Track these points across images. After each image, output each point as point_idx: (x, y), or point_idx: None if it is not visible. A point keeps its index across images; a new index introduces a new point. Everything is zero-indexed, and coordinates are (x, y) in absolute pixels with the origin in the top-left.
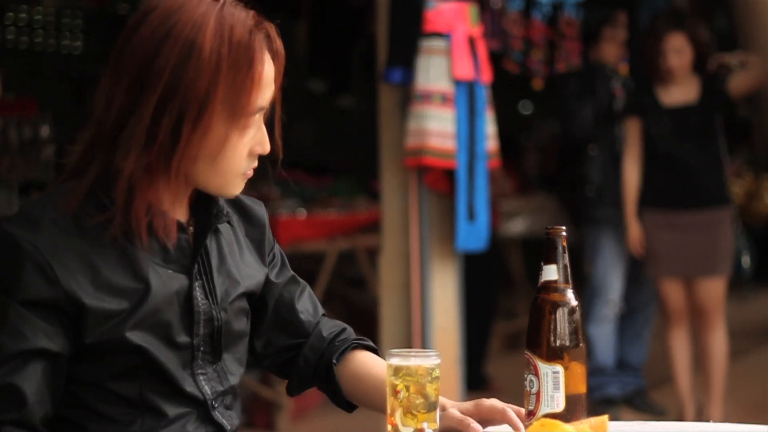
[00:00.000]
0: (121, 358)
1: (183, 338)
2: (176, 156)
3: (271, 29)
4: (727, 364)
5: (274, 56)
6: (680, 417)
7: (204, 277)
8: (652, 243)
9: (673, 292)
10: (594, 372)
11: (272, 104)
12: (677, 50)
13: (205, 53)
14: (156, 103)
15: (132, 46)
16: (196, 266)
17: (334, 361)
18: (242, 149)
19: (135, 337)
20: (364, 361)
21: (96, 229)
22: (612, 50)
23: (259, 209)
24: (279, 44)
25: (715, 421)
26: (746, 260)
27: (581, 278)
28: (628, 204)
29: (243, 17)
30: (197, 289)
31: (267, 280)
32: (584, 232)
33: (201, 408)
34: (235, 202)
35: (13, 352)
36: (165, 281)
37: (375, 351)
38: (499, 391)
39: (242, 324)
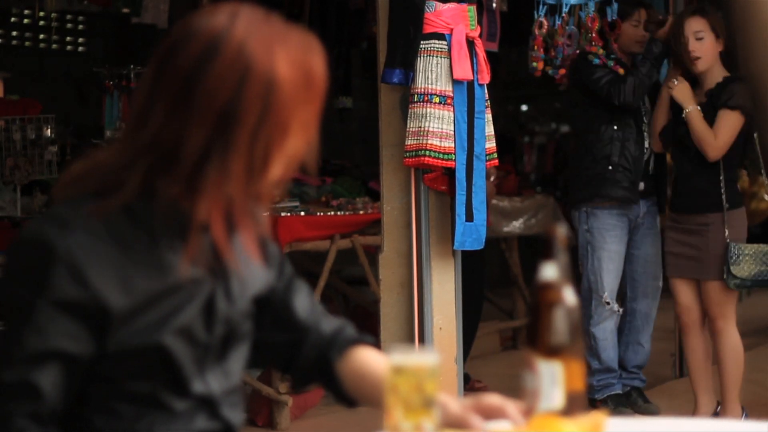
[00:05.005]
0: (141, 359)
1: (200, 338)
2: (263, 177)
3: (318, 42)
4: (739, 368)
5: (326, 68)
6: (694, 413)
7: (224, 280)
8: (665, 243)
9: (681, 292)
10: (600, 372)
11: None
12: (698, 35)
13: (284, 86)
14: (248, 139)
15: (205, 85)
16: (218, 269)
17: (334, 358)
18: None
19: (160, 341)
20: (364, 358)
21: (125, 233)
22: (630, 46)
23: (260, 215)
24: (325, 55)
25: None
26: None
27: (581, 277)
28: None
29: (301, 39)
30: (219, 290)
31: (272, 284)
32: (580, 226)
33: (209, 406)
34: None
35: (35, 351)
36: (192, 284)
37: (375, 347)
38: (482, 390)
39: (248, 326)
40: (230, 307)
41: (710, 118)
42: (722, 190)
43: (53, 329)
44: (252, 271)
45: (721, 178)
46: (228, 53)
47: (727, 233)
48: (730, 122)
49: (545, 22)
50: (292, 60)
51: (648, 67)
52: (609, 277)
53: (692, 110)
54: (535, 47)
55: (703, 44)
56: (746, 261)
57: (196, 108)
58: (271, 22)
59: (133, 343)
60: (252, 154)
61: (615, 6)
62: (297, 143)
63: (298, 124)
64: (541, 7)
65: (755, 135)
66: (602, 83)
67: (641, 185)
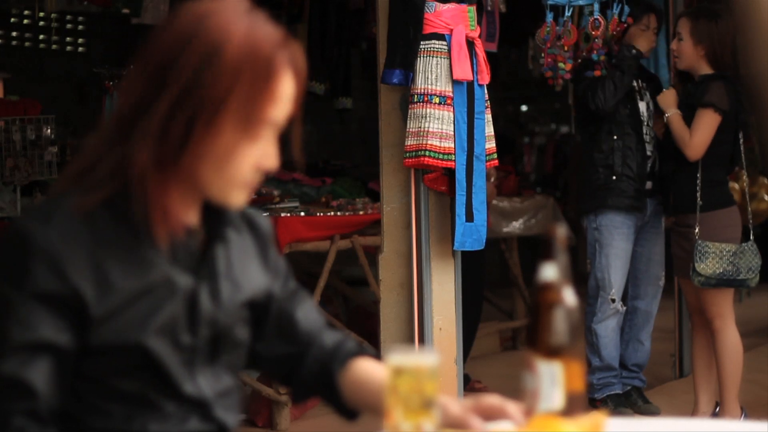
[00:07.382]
0: (125, 356)
1: (185, 339)
2: (185, 153)
3: (297, 49)
4: (738, 367)
5: (296, 76)
6: (693, 413)
7: (210, 281)
8: (671, 244)
9: (687, 292)
10: (601, 370)
11: (290, 121)
12: (678, 35)
13: (227, 60)
14: (173, 99)
15: (159, 43)
16: (203, 269)
17: (336, 370)
18: (249, 159)
19: (141, 340)
20: (366, 367)
21: (106, 229)
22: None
23: (265, 222)
24: (302, 64)
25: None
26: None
27: (581, 277)
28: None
29: (271, 33)
30: (203, 291)
31: (271, 291)
32: (588, 225)
33: (201, 408)
34: (243, 214)
35: (20, 343)
36: (172, 282)
37: (377, 358)
38: (482, 390)
39: (242, 331)
40: (217, 308)
41: (687, 117)
42: (698, 192)
43: (36, 321)
44: (247, 275)
45: (700, 179)
46: (186, 20)
47: (697, 232)
48: (702, 120)
49: (573, 27)
50: (248, 41)
51: (617, 73)
52: (617, 274)
53: (672, 114)
54: (566, 48)
55: (681, 45)
56: (711, 259)
57: (145, 65)
58: (249, 12)
59: (114, 341)
60: (172, 117)
61: (625, 8)
62: (233, 132)
63: (235, 111)
64: (567, 9)
65: (751, 135)
66: (581, 90)
67: (648, 184)
